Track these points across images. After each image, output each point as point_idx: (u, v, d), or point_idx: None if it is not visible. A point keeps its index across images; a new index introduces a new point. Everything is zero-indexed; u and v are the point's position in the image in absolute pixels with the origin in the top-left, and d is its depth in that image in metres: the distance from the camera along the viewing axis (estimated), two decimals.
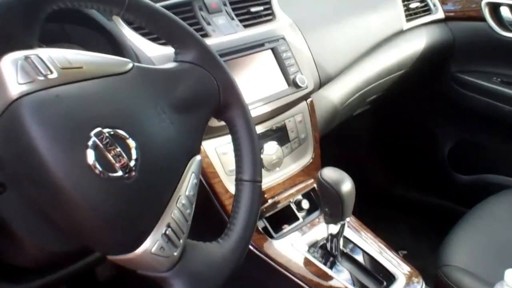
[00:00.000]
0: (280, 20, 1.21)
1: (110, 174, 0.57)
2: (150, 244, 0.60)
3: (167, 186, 0.64)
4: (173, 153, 0.65)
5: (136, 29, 0.99)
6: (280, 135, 1.16)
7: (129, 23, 0.99)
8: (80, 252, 0.74)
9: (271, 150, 1.12)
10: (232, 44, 1.08)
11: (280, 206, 1.15)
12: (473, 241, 1.25)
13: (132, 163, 0.59)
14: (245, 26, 1.15)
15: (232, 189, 1.07)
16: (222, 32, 1.10)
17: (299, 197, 1.18)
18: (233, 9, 1.16)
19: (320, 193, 0.98)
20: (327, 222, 1.00)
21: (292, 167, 1.19)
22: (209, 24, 1.09)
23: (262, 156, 1.11)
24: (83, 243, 0.63)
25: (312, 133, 1.23)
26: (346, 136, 2.05)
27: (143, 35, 0.99)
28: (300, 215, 1.16)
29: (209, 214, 1.05)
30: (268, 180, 1.14)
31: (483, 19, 1.56)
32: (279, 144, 1.15)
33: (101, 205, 0.56)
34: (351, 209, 0.95)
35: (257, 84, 1.09)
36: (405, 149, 2.12)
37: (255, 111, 1.06)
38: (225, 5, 1.15)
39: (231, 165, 1.06)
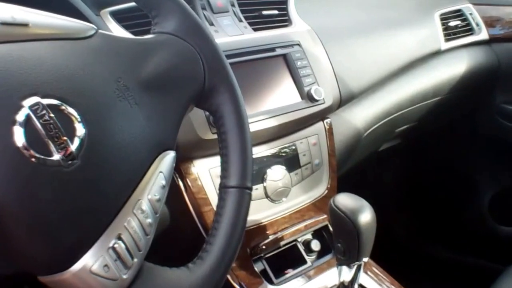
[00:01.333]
0: (296, 26, 1.04)
1: (43, 158, 0.43)
2: (91, 259, 0.46)
3: (123, 185, 0.49)
4: (135, 142, 0.51)
5: (126, 27, 0.86)
6: (289, 158, 0.97)
7: (118, 20, 0.86)
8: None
9: (277, 175, 0.94)
10: (236, 45, 0.91)
11: (283, 244, 0.95)
12: None
13: (74, 146, 0.45)
14: (255, 30, 0.98)
15: None
16: (226, 33, 0.94)
17: (309, 236, 0.99)
18: (242, 11, 1.00)
19: (332, 224, 0.80)
20: (340, 263, 0.81)
21: (302, 199, 0.99)
22: (212, 24, 0.94)
23: (265, 183, 0.92)
24: (8, 260, 0.48)
25: (329, 159, 1.03)
26: (368, 176, 1.83)
27: (134, 34, 0.84)
28: (308, 258, 0.96)
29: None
30: (272, 213, 0.95)
31: None
32: (288, 169, 0.96)
33: (27, 198, 0.43)
34: (371, 247, 0.77)
35: (263, 93, 0.91)
36: (437, 197, 1.87)
37: (260, 125, 0.88)
38: (233, 5, 1.00)
39: None
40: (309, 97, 0.95)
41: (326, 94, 0.97)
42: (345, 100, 1.07)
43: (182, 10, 0.60)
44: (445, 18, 1.39)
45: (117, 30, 0.84)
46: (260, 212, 0.92)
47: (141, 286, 0.49)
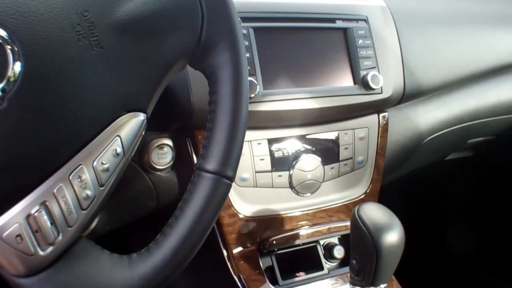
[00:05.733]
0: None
1: None
2: (5, 225, 0.39)
3: (61, 143, 0.41)
4: (87, 93, 0.41)
5: None
6: (327, 149, 0.84)
7: None
8: None
9: (307, 166, 0.82)
10: (287, 8, 0.79)
11: (300, 243, 0.83)
12: None
13: (1, 85, 0.37)
14: None
15: (242, 209, 0.79)
16: None
17: (334, 240, 0.86)
18: None
19: (351, 235, 0.68)
20: (353, 283, 0.68)
21: (332, 198, 0.86)
22: None
23: (292, 171, 0.80)
24: None
25: (376, 158, 0.89)
26: (426, 187, 1.64)
27: None
28: (327, 265, 0.84)
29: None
30: (293, 206, 0.83)
31: None
32: (323, 161, 0.83)
33: None
34: (391, 272, 0.64)
35: (309, 69, 0.79)
36: (499, 220, 1.66)
37: (298, 104, 0.76)
38: None
39: (244, 171, 0.77)
40: (363, 83, 0.81)
41: (385, 83, 0.83)
42: (410, 95, 0.92)
43: None
44: None
45: None
46: (279, 202, 0.81)
47: (61, 269, 0.41)
